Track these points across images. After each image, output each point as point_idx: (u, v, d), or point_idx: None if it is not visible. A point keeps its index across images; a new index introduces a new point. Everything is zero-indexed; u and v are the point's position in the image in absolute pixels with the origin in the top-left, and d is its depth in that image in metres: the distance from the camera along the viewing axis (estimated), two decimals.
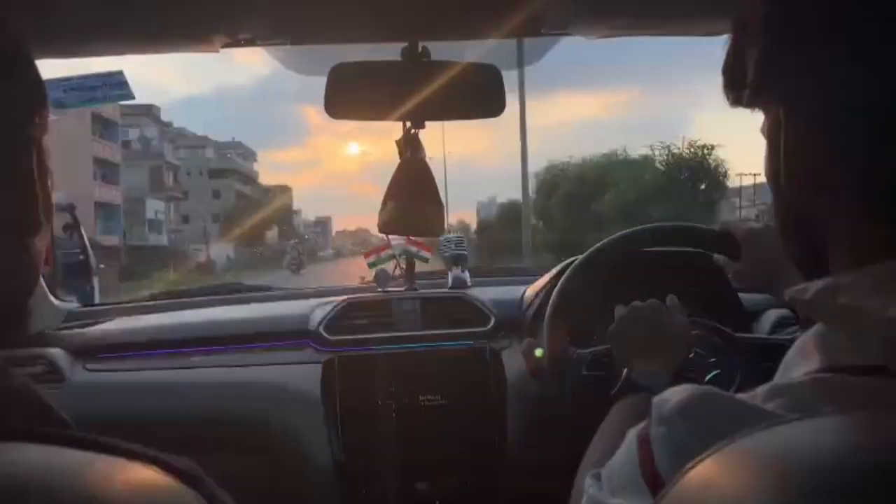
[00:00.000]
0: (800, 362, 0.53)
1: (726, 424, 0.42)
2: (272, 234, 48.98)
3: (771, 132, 0.51)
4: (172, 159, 46.42)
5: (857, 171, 0.46)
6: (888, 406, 0.40)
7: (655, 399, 0.53)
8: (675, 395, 0.51)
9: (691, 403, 0.50)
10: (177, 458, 0.55)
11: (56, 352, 1.61)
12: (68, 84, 1.30)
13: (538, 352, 1.26)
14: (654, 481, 0.50)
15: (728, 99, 0.53)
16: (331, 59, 1.25)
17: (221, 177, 51.67)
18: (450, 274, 1.93)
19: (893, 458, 0.32)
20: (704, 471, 0.37)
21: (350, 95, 1.21)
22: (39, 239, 0.54)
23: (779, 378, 0.56)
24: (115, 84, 1.34)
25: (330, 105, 1.19)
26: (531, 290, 1.69)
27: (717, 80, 0.54)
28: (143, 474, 0.40)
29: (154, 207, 41.59)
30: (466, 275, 1.93)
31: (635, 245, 1.49)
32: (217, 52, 1.19)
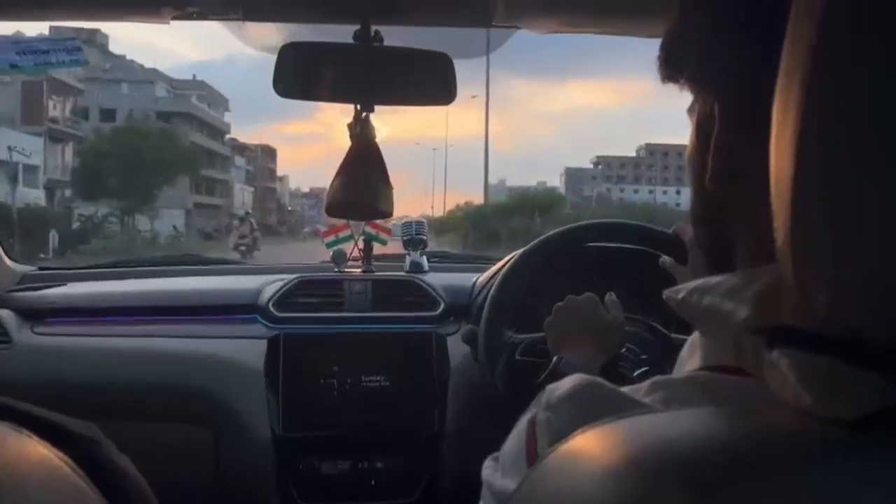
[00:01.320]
0: (687, 360, 0.56)
1: (605, 413, 0.44)
2: (243, 202, 39.54)
3: (700, 120, 0.50)
4: (72, 81, 30.41)
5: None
6: (750, 403, 0.42)
7: (549, 387, 0.55)
8: (565, 384, 0.53)
9: (576, 392, 0.52)
10: (78, 422, 0.56)
11: (5, 313, 1.62)
12: (21, 46, 1.30)
13: None
14: (533, 464, 0.52)
15: (660, 74, 0.52)
16: (290, 37, 1.25)
17: (171, 120, 36.87)
18: (407, 258, 1.95)
19: (744, 450, 0.34)
20: (570, 448, 0.39)
21: (299, 75, 1.21)
22: None
23: (674, 373, 0.58)
24: (69, 49, 1.34)
25: (278, 83, 1.20)
26: (483, 278, 1.71)
27: None
28: (17, 442, 0.40)
29: (10, 142, 23.86)
30: (424, 259, 1.94)
31: (581, 239, 1.51)
32: (167, 23, 1.18)
